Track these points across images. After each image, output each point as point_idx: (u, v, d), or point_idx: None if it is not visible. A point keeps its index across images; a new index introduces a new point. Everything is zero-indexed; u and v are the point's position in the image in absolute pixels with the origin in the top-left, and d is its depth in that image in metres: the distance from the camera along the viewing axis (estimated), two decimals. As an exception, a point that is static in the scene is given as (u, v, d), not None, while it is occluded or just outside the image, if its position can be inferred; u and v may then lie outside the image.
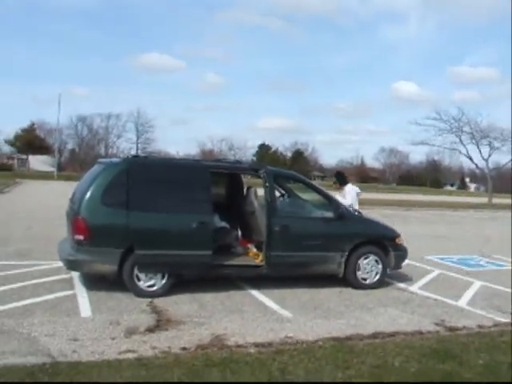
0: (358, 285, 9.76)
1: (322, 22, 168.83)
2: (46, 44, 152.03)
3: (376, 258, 9.87)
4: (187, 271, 8.83)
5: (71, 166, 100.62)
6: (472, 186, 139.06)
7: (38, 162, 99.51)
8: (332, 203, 9.84)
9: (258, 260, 9.38)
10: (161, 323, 7.16)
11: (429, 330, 7.52)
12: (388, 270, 10.07)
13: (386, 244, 10.04)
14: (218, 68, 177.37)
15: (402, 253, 10.34)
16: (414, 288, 10.20)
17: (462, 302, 9.27)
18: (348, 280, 9.76)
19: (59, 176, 67.49)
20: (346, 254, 9.63)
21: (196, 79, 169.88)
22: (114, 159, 9.71)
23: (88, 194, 8.46)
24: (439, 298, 9.47)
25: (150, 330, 6.87)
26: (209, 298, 8.55)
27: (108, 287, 8.62)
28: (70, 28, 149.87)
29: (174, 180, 8.79)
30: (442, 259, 13.85)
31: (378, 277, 9.90)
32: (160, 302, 8.17)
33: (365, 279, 9.83)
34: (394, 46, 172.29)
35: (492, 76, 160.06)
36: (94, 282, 8.86)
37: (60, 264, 9.14)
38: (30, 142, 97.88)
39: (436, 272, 11.99)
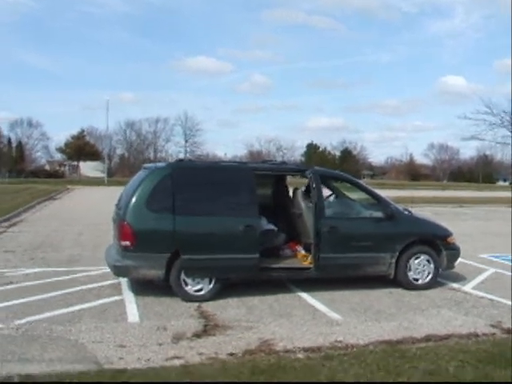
0: (410, 286, 9.51)
1: (366, 18, 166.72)
2: (93, 51, 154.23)
3: (427, 257, 9.60)
4: (234, 275, 8.74)
5: (121, 171, 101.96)
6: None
7: (88, 167, 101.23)
8: (381, 202, 9.64)
9: (307, 262, 9.23)
10: (208, 328, 7.09)
11: (484, 332, 7.23)
12: (440, 269, 9.78)
13: (437, 243, 9.76)
14: (265, 69, 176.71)
15: (454, 252, 10.04)
16: (468, 288, 9.88)
17: (520, 302, 8.93)
18: (399, 281, 9.53)
19: (109, 181, 68.48)
20: (397, 254, 9.39)
21: (243, 81, 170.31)
22: (159, 164, 9.70)
23: (133, 200, 8.45)
24: (495, 298, 9.12)
25: (198, 335, 6.80)
26: (256, 301, 8.44)
27: (156, 292, 8.61)
28: (116, 35, 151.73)
29: (219, 183, 8.72)
30: (496, 257, 13.40)
31: (429, 277, 9.63)
32: (208, 306, 8.10)
33: (416, 280, 9.58)
34: (439, 40, 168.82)
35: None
36: (142, 288, 8.86)
37: (108, 270, 9.16)
38: (81, 148, 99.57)
39: (490, 271, 11.60)
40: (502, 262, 12.88)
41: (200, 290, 8.46)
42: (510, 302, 8.83)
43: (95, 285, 9.31)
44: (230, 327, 7.13)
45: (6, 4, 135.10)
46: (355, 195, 10.23)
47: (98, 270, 10.36)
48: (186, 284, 8.40)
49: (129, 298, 8.52)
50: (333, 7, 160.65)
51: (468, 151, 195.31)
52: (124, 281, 9.35)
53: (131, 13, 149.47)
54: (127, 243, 8.28)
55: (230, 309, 8.04)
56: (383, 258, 9.38)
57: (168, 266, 8.28)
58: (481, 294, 9.41)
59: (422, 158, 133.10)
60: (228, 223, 8.54)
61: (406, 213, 10.01)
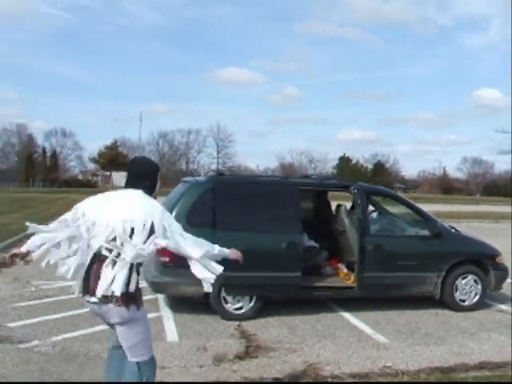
0: (456, 307, 9.15)
1: (400, 31, 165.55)
2: (125, 63, 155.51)
3: (475, 277, 9.24)
4: (276, 293, 8.48)
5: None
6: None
7: (121, 178, 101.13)
8: (428, 220, 9.32)
9: (350, 281, 8.93)
10: (250, 349, 6.82)
11: (542, 360, 6.85)
12: (488, 290, 9.41)
13: (485, 263, 9.39)
14: (297, 81, 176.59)
15: (503, 272, 9.65)
16: (517, 310, 9.48)
17: None
18: (445, 301, 9.18)
19: (141, 192, 68.81)
20: (443, 274, 9.05)
21: (275, 93, 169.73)
22: (199, 178, 9.50)
23: (173, 214, 8.23)
24: (546, 322, 8.73)
25: (240, 357, 6.54)
26: (298, 321, 8.16)
27: (194, 309, 8.39)
28: (147, 46, 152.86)
29: (261, 198, 8.50)
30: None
31: (477, 298, 9.28)
32: (248, 325, 7.84)
33: (463, 301, 9.22)
34: (474, 54, 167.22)
35: None
36: (180, 304, 8.64)
37: (144, 284, 8.96)
38: (113, 158, 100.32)
39: (539, 292, 11.15)
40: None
41: (240, 308, 8.21)
42: (563, 327, 8.43)
43: (132, 300, 9.10)
44: (272, 349, 6.85)
45: (43, 16, 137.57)
46: (399, 211, 9.93)
47: (134, 285, 10.16)
48: (226, 302, 8.15)
49: (167, 314, 8.30)
50: (366, 19, 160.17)
51: (503, 165, 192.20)
52: (161, 297, 9.13)
53: (163, 24, 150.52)
54: (166, 259, 8.05)
55: (271, 329, 7.77)
56: (429, 277, 9.03)
57: None
58: (532, 317, 9.01)
59: (455, 172, 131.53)
60: (270, 240, 8.29)
61: (453, 231, 9.66)
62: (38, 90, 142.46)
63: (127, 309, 4.08)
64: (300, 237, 8.45)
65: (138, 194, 4.29)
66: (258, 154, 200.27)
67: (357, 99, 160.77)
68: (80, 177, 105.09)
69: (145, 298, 9.07)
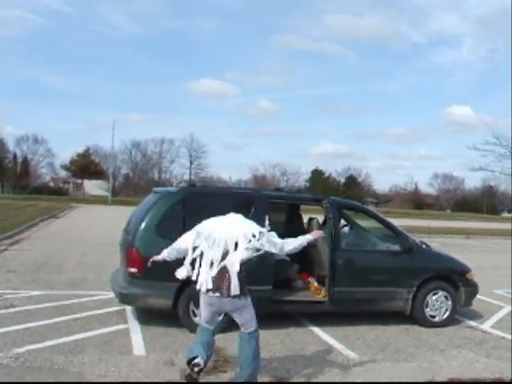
0: (426, 322, 9.15)
1: (375, 46, 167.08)
2: (102, 71, 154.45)
3: (445, 293, 9.25)
4: None
5: (125, 190, 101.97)
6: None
7: (92, 186, 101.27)
8: (399, 235, 9.30)
9: (320, 295, 8.84)
10: (218, 364, 6.68)
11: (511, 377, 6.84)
12: (458, 306, 9.42)
13: (455, 279, 9.40)
14: (272, 94, 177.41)
15: (472, 288, 9.69)
16: (486, 326, 9.50)
17: (542, 344, 8.52)
18: (415, 317, 9.17)
19: (113, 201, 68.35)
20: (414, 289, 9.04)
21: (250, 105, 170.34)
22: (170, 188, 9.36)
23: (143, 225, 8.11)
24: (515, 338, 8.74)
25: (207, 371, 6.39)
26: (268, 335, 8.02)
27: (162, 322, 8.24)
28: (123, 55, 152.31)
29: (232, 210, 8.37)
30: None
31: (447, 314, 9.28)
32: (217, 339, 7.61)
33: (433, 316, 9.21)
34: (447, 71, 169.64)
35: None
36: (148, 316, 8.49)
37: (112, 295, 8.81)
38: (85, 166, 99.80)
39: (507, 308, 11.20)
40: (518, 298, 12.50)
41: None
42: (531, 344, 8.46)
43: (99, 311, 8.93)
44: (241, 363, 6.74)
45: (17, 20, 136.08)
46: (371, 226, 9.90)
47: (102, 295, 10.01)
48: (195, 315, 7.99)
49: (134, 327, 8.14)
50: (342, 34, 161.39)
51: (473, 181, 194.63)
52: (129, 308, 8.97)
53: (142, 34, 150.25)
54: (134, 270, 7.92)
55: (240, 342, 7.64)
56: (400, 293, 9.02)
57: (177, 295, 7.92)
58: (500, 333, 9.02)
59: (426, 188, 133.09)
60: None
61: (424, 246, 9.66)
62: (11, 95, 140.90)
63: (240, 299, 5.91)
64: None
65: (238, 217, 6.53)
66: (232, 165, 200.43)
67: (331, 113, 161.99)
68: (51, 184, 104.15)
69: (112, 309, 9.01)
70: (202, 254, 5.97)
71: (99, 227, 26.84)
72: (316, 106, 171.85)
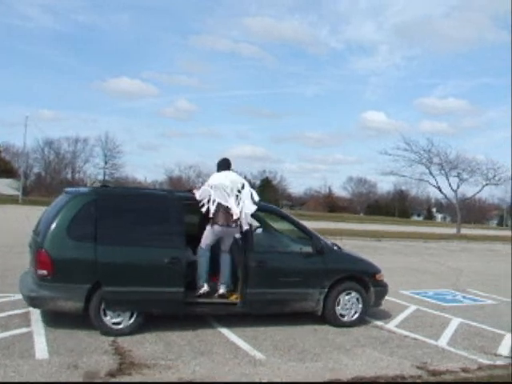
0: (336, 322, 9.33)
1: (294, 50, 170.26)
2: (15, 66, 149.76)
3: (356, 294, 9.47)
4: (158, 309, 8.30)
5: (37, 190, 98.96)
6: (439, 216, 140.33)
7: (2, 185, 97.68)
8: (311, 237, 9.43)
9: (233, 297, 8.85)
10: (123, 367, 6.55)
11: (411, 374, 7.04)
12: (368, 307, 9.67)
13: (366, 280, 9.63)
14: (190, 94, 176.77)
15: (382, 289, 9.98)
16: (391, 326, 9.75)
17: (443, 342, 8.83)
18: (326, 317, 9.33)
19: (24, 200, 66.26)
20: (325, 290, 9.20)
21: (167, 105, 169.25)
22: (82, 189, 9.16)
23: (53, 226, 7.88)
24: (418, 337, 9.03)
25: (112, 374, 6.28)
26: (175, 337, 7.99)
27: (68, 324, 8.04)
28: (38, 50, 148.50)
29: (145, 212, 8.32)
30: (417, 294, 13.46)
31: (357, 315, 9.50)
32: (124, 341, 7.58)
33: (343, 316, 9.40)
34: (363, 77, 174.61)
35: (462, 107, 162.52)
36: (53, 319, 8.26)
37: (17, 297, 8.54)
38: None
39: (412, 308, 11.56)
40: (422, 298, 12.94)
41: (119, 323, 7.95)
42: (433, 342, 8.76)
43: (2, 314, 8.59)
44: (146, 366, 6.63)
45: None
46: (284, 228, 10.02)
47: (5, 298, 9.64)
48: (106, 316, 7.88)
49: (38, 330, 7.88)
50: (261, 37, 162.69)
51: (385, 185, 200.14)
52: (34, 311, 8.68)
53: (59, 29, 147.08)
54: (44, 272, 7.69)
55: (147, 344, 7.53)
56: (311, 294, 9.15)
57: (88, 297, 7.76)
58: (405, 332, 9.29)
59: (340, 191, 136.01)
60: (153, 254, 8.11)
61: (335, 248, 9.84)
62: None
63: (236, 229, 8.68)
64: (184, 252, 8.31)
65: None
66: (147, 166, 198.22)
67: (249, 115, 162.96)
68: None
69: (15, 312, 8.71)
70: (214, 200, 8.59)
71: (7, 228, 25.97)
72: (234, 108, 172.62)
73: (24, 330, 7.85)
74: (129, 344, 7.46)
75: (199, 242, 8.79)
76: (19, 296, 8.48)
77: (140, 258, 8.05)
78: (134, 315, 8.03)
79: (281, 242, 9.87)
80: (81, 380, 6.04)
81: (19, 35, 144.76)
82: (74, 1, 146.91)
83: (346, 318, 9.41)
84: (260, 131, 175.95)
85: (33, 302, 8.01)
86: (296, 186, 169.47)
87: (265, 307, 9.00)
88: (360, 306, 9.49)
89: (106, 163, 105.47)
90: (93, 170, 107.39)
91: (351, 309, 9.44)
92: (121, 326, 7.96)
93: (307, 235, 9.50)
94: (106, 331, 7.85)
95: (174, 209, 8.50)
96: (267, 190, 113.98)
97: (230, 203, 8.64)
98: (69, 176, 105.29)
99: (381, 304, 10.10)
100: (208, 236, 8.73)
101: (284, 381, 6.49)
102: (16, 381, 5.89)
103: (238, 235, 8.93)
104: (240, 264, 8.81)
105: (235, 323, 8.81)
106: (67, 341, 7.43)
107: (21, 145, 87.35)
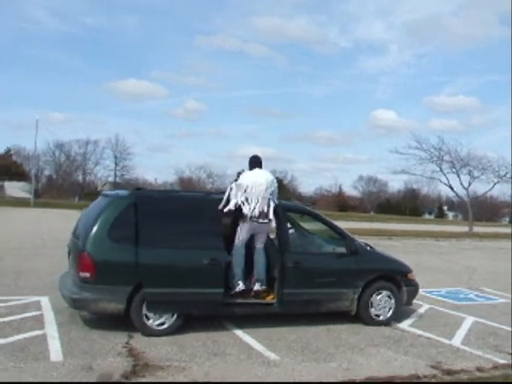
0: (371, 321, 9.45)
1: (303, 50, 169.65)
2: (24, 69, 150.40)
3: (389, 293, 9.59)
4: (198, 310, 8.37)
5: (48, 192, 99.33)
6: (450, 215, 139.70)
7: (14, 188, 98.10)
8: (345, 238, 9.56)
9: (269, 298, 8.91)
10: (137, 368, 6.56)
11: (425, 373, 7.04)
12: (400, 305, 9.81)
13: (398, 279, 9.75)
14: (199, 95, 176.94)
15: (414, 288, 10.11)
16: (405, 325, 9.72)
17: (457, 341, 8.81)
18: (360, 317, 9.44)
19: (36, 203, 66.40)
20: (359, 290, 9.31)
21: (176, 106, 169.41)
22: (121, 192, 9.20)
23: (94, 229, 7.93)
24: (432, 336, 9.00)
25: (126, 376, 6.29)
26: (189, 338, 7.98)
27: (81, 326, 8.09)
28: (45, 52, 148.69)
29: (183, 214, 8.38)
30: (429, 292, 13.40)
31: (390, 313, 9.61)
32: (137, 343, 7.59)
33: (378, 315, 9.52)
34: (373, 76, 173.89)
35: (472, 105, 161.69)
36: (66, 320, 8.30)
37: (29, 300, 8.55)
38: (7, 168, 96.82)
39: (425, 307, 11.51)
40: (435, 297, 12.90)
41: (163, 323, 8.05)
42: (446, 341, 8.72)
43: (15, 317, 8.58)
44: (160, 368, 6.63)
45: None
46: (316, 228, 10.20)
47: (18, 301, 9.65)
48: (148, 318, 7.96)
49: (52, 332, 7.88)
50: (270, 36, 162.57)
51: (396, 184, 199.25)
52: (47, 313, 8.75)
53: (67, 32, 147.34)
54: (87, 275, 7.75)
55: (160, 346, 7.53)
56: (346, 293, 9.26)
57: (129, 299, 7.82)
58: (418, 331, 9.25)
59: (351, 190, 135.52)
60: (192, 256, 8.14)
61: (368, 248, 9.96)
62: None
63: (269, 224, 8.85)
64: (222, 253, 8.33)
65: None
66: (157, 167, 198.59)
67: (258, 115, 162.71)
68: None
69: (28, 314, 8.72)
70: (246, 198, 8.74)
71: (20, 231, 26.04)
72: (243, 108, 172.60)
73: (38, 332, 7.85)
74: (142, 346, 7.46)
75: (232, 242, 8.82)
76: (32, 298, 8.53)
77: (180, 260, 8.11)
78: (175, 315, 8.11)
79: (315, 242, 10.03)
80: (95, 381, 6.05)
81: (27, 38, 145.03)
82: (81, 3, 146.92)
83: (381, 318, 9.55)
84: (269, 131, 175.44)
85: (75, 303, 8.07)
86: (306, 185, 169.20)
87: (301, 307, 9.12)
88: (393, 303, 9.62)
89: (116, 165, 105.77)
90: (103, 172, 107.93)
91: (385, 307, 9.56)
92: (164, 327, 8.06)
93: (340, 236, 9.62)
94: (148, 332, 7.95)
95: (210, 210, 8.57)
96: (278, 190, 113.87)
97: (264, 201, 8.76)
98: (79, 178, 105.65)
99: (412, 303, 10.26)
100: (242, 232, 8.77)
101: (297, 381, 6.47)
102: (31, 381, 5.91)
103: (272, 236, 9.16)
104: (277, 265, 8.89)
105: (248, 324, 8.79)
106: (81, 343, 7.45)
107: (32, 147, 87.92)
